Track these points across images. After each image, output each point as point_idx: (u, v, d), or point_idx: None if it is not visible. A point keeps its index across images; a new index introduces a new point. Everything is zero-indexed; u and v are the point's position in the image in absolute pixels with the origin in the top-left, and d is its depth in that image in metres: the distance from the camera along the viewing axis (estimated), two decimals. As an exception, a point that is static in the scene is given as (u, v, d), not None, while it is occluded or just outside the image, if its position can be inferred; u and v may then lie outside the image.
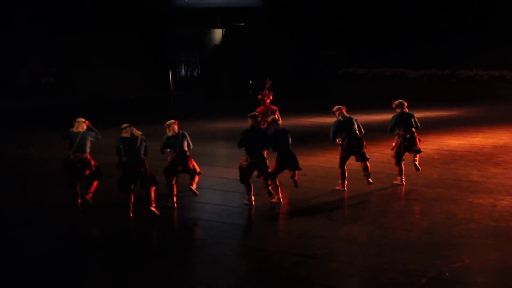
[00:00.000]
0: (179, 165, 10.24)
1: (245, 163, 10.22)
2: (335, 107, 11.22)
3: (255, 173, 10.30)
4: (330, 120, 11.97)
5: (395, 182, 11.83)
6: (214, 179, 11.90)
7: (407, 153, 11.56)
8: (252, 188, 10.37)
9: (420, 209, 10.00)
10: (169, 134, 10.32)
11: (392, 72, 27.32)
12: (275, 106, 12.40)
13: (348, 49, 28.35)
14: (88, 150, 10.19)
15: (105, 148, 12.65)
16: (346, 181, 11.34)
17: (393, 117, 11.64)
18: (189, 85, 27.48)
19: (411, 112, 11.61)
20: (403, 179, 11.67)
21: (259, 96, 12.35)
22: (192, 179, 10.38)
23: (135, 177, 9.81)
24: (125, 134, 9.94)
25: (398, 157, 11.66)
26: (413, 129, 11.60)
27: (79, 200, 10.22)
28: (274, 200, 10.52)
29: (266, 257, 8.09)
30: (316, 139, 16.08)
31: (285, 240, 8.74)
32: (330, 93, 25.61)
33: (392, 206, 10.20)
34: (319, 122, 19.07)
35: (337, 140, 11.20)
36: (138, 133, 9.97)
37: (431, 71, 26.85)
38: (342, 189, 11.31)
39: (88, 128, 10.37)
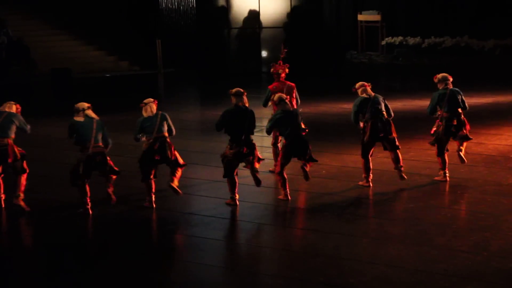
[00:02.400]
0: (157, 154, 10.57)
1: (230, 151, 10.65)
2: (358, 84, 11.69)
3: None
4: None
5: (437, 178, 12.03)
6: (208, 184, 12.10)
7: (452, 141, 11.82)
8: (237, 184, 10.86)
9: (487, 223, 10.06)
10: (145, 114, 10.74)
11: (454, 42, 27.26)
12: (293, 82, 12.63)
13: (393, 12, 28.34)
14: (11, 136, 10.72)
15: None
16: (371, 175, 11.64)
17: (434, 94, 11.89)
18: (184, 60, 27.59)
19: (457, 89, 11.83)
20: (447, 174, 11.90)
21: (272, 69, 12.63)
22: (173, 173, 10.79)
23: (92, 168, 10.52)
24: (78, 118, 10.58)
25: (440, 146, 11.82)
26: (459, 110, 11.70)
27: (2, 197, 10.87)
28: (280, 197, 11.10)
29: None
30: (352, 130, 16.16)
31: (310, 264, 8.85)
32: (370, 71, 25.61)
33: (443, 216, 10.35)
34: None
35: (360, 124, 11.56)
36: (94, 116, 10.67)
37: (506, 41, 26.76)
38: (366, 184, 11.69)
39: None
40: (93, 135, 10.54)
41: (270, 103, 12.09)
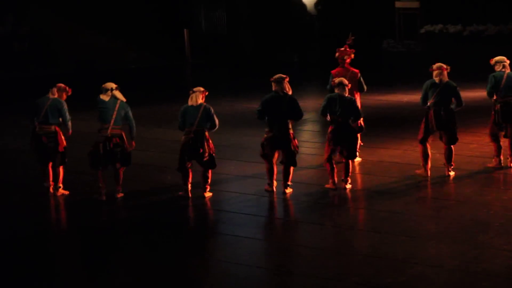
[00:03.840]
0: (196, 148, 10.93)
1: (265, 136, 11.12)
2: (436, 65, 11.72)
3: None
4: (410, 97, 12.12)
5: (490, 165, 12.00)
6: (237, 180, 12.20)
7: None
8: (275, 171, 11.23)
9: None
10: (189, 103, 10.98)
11: (497, 30, 27.03)
12: (357, 69, 12.84)
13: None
14: (57, 122, 11.23)
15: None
16: (429, 163, 11.71)
17: (490, 77, 11.90)
18: (213, 50, 27.68)
19: None
20: (502, 161, 11.82)
21: (337, 54, 12.88)
22: (205, 179, 11.16)
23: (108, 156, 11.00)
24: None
25: (495, 131, 11.78)
26: None
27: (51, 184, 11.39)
28: (327, 186, 11.47)
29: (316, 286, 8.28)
30: (390, 124, 16.29)
31: (345, 263, 8.90)
32: (408, 60, 25.49)
33: (486, 213, 10.30)
34: (391, 102, 19.17)
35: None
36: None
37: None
38: (424, 174, 11.76)
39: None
40: (113, 117, 10.89)
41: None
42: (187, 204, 11.20)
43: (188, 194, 11.23)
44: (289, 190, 11.46)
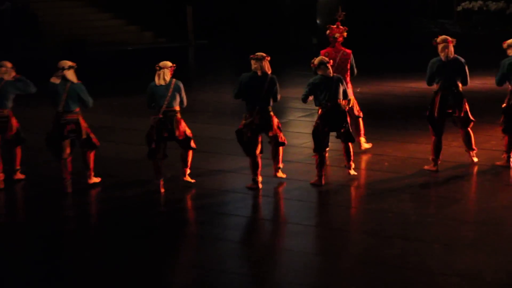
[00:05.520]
0: (165, 130, 11.16)
1: (243, 122, 11.27)
2: (441, 38, 11.85)
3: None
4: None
5: (498, 163, 12.14)
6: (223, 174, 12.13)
7: None
8: (260, 165, 11.38)
9: None
10: (157, 82, 11.27)
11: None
12: (350, 49, 12.84)
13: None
14: (10, 105, 11.55)
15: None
16: (440, 157, 11.86)
17: (502, 63, 11.86)
18: (220, 31, 27.65)
19: None
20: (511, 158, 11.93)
21: (327, 32, 12.92)
22: (184, 162, 11.51)
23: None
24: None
25: (508, 123, 11.76)
26: None
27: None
28: (312, 181, 11.56)
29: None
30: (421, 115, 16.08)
31: (370, 274, 8.84)
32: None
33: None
34: (420, 90, 18.99)
35: (434, 86, 11.87)
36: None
37: None
38: (434, 168, 11.99)
39: (17, 79, 11.65)
40: (63, 99, 11.22)
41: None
42: (161, 200, 11.31)
43: (160, 189, 11.41)
44: (281, 174, 11.69)
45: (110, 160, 12.89)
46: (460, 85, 11.80)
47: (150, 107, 11.36)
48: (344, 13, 13.11)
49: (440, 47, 11.82)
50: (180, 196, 11.51)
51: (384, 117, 15.75)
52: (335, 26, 12.87)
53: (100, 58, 24.65)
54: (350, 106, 12.51)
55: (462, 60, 11.85)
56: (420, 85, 19.34)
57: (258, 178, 11.47)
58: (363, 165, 12.57)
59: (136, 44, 26.78)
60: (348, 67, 12.77)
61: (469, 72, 11.93)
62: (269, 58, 11.40)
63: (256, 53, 11.39)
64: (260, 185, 11.47)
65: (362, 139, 13.17)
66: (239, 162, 12.48)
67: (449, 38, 11.83)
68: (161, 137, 11.22)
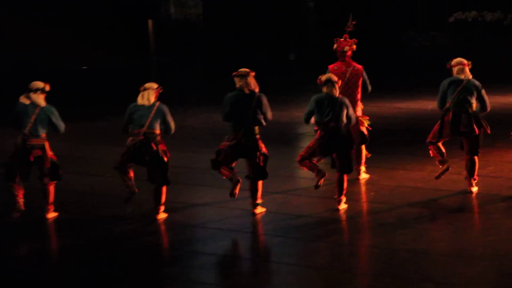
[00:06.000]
0: (143, 153, 11.18)
1: (227, 143, 11.36)
2: (456, 60, 12.08)
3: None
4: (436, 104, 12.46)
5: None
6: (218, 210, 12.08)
7: None
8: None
9: None
10: (139, 101, 11.32)
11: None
12: (360, 64, 12.95)
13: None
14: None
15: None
16: (445, 155, 12.10)
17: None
18: (185, 45, 27.59)
19: None
20: None
21: (335, 46, 12.91)
22: (157, 197, 11.46)
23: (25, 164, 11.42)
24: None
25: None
26: None
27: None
28: (320, 182, 11.63)
29: None
30: (412, 139, 16.10)
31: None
32: (434, 57, 25.45)
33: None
34: (412, 110, 19.00)
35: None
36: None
37: None
38: (443, 168, 12.15)
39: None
40: (31, 121, 11.30)
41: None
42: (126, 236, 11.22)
43: (134, 190, 11.46)
44: (259, 211, 11.61)
45: (67, 193, 12.72)
46: (474, 105, 11.93)
47: (125, 130, 11.38)
48: (354, 22, 13.17)
49: (455, 70, 12.01)
50: (148, 231, 11.42)
51: (369, 141, 15.60)
52: (342, 39, 12.87)
53: (50, 79, 24.41)
54: (367, 125, 12.80)
55: (478, 83, 12.00)
56: (409, 105, 19.47)
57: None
58: (347, 195, 12.42)
59: (90, 63, 26.67)
60: (360, 83, 12.77)
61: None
62: (254, 74, 11.43)
63: (239, 70, 11.43)
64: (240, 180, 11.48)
65: (362, 168, 13.15)
66: (210, 193, 12.46)
67: (464, 61, 12.00)
68: (139, 160, 11.25)
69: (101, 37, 27.49)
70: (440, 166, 12.23)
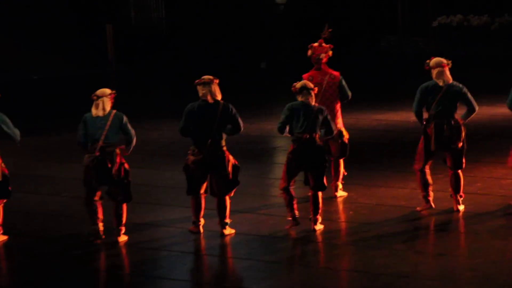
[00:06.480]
0: (105, 172, 11.11)
1: (192, 158, 11.34)
2: (435, 61, 12.14)
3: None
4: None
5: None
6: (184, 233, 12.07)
7: None
8: (203, 206, 11.49)
9: None
10: (94, 112, 11.25)
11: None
12: (337, 71, 13.05)
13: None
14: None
15: None
16: (431, 192, 12.23)
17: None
18: (147, 52, 27.61)
19: None
20: None
21: (309, 52, 13.03)
22: (119, 220, 11.39)
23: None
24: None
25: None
26: None
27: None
28: (287, 227, 11.70)
29: None
30: (392, 154, 16.20)
31: None
32: (417, 64, 25.57)
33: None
34: (393, 123, 19.12)
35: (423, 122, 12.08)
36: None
37: None
38: (427, 206, 12.30)
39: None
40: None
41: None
42: (83, 260, 11.13)
43: (101, 235, 11.37)
44: (228, 231, 11.59)
45: (17, 214, 12.72)
46: (456, 116, 12.04)
47: (83, 144, 11.32)
48: (330, 29, 13.21)
49: (434, 73, 12.07)
50: (108, 254, 11.35)
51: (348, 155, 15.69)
52: (317, 44, 12.94)
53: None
54: (344, 139, 12.84)
55: (460, 85, 12.09)
56: (389, 117, 19.50)
57: (200, 221, 11.48)
58: (323, 214, 12.47)
59: (42, 72, 26.59)
60: (337, 92, 12.81)
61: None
62: (217, 81, 11.42)
63: (202, 77, 11.43)
64: (202, 229, 11.48)
65: (339, 185, 13.18)
66: (174, 213, 12.46)
67: (444, 61, 12.07)
68: (101, 179, 11.20)
69: (55, 44, 27.44)
70: (424, 202, 12.32)
